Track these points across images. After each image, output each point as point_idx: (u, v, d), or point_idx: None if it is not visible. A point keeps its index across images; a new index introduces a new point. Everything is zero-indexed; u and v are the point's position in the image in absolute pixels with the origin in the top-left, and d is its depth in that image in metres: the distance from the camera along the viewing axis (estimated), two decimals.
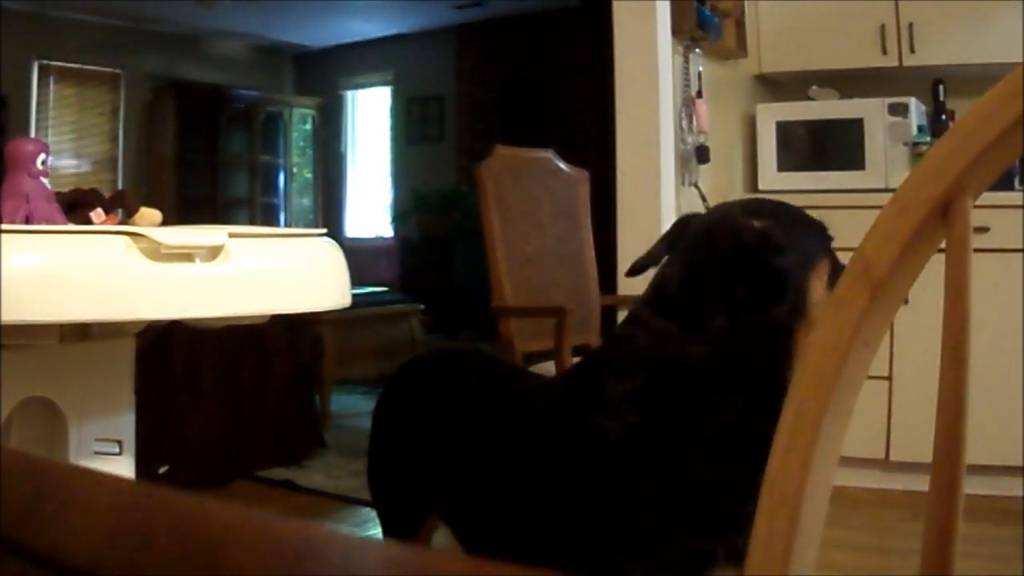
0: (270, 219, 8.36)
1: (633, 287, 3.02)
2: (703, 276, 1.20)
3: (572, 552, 1.23)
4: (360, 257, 5.80)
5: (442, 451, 1.49)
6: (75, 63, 7.32)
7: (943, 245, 0.57)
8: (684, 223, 1.32)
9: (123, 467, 1.55)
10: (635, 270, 1.33)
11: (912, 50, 3.45)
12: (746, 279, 1.17)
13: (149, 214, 1.63)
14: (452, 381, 1.58)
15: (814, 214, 1.28)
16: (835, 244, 1.32)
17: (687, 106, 3.32)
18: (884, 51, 3.49)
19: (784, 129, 3.57)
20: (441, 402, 1.54)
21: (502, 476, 1.34)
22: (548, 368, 2.41)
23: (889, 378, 3.14)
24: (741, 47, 3.65)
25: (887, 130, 3.40)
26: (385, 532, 1.65)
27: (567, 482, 1.24)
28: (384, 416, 1.66)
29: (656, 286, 1.28)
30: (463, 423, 1.47)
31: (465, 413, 1.48)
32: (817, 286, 1.15)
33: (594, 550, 1.20)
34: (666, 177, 3.13)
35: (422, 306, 5.33)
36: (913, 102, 3.41)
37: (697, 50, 3.38)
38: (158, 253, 1.22)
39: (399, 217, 8.36)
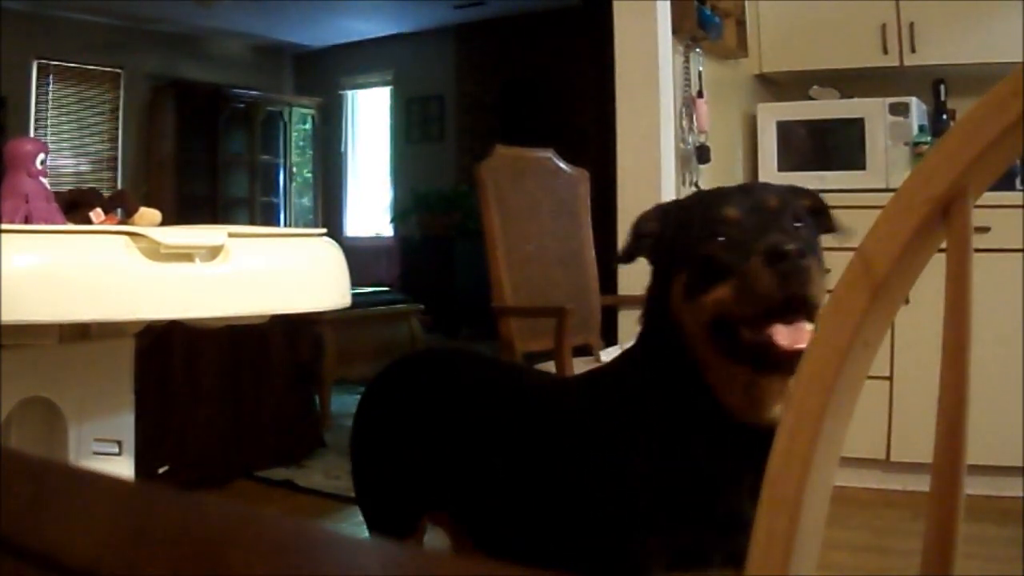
0: (270, 219, 8.36)
1: (634, 287, 3.02)
2: None
3: (569, 545, 1.24)
4: (360, 257, 5.80)
5: (446, 451, 1.48)
6: (75, 62, 7.32)
7: (944, 245, 0.57)
8: None
9: (123, 467, 1.55)
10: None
11: (913, 50, 3.45)
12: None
13: (149, 214, 1.63)
14: (449, 381, 1.56)
15: None
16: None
17: (687, 106, 3.32)
18: (885, 51, 3.48)
19: (785, 129, 3.57)
20: (441, 402, 1.52)
21: (515, 472, 1.34)
22: (548, 369, 2.41)
23: (889, 378, 3.14)
24: (742, 47, 3.65)
25: (888, 130, 3.39)
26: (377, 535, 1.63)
27: (561, 475, 1.26)
28: (373, 420, 1.62)
29: None
30: (472, 422, 1.45)
31: (473, 411, 1.47)
32: (676, 290, 1.15)
33: (589, 542, 1.21)
34: (666, 177, 3.13)
35: (422, 306, 5.33)
36: (914, 102, 3.41)
37: (698, 50, 3.38)
38: (158, 253, 1.22)
39: (399, 217, 8.36)
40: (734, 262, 1.08)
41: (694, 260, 1.13)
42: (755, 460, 1.08)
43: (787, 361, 1.05)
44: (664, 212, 1.24)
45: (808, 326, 1.06)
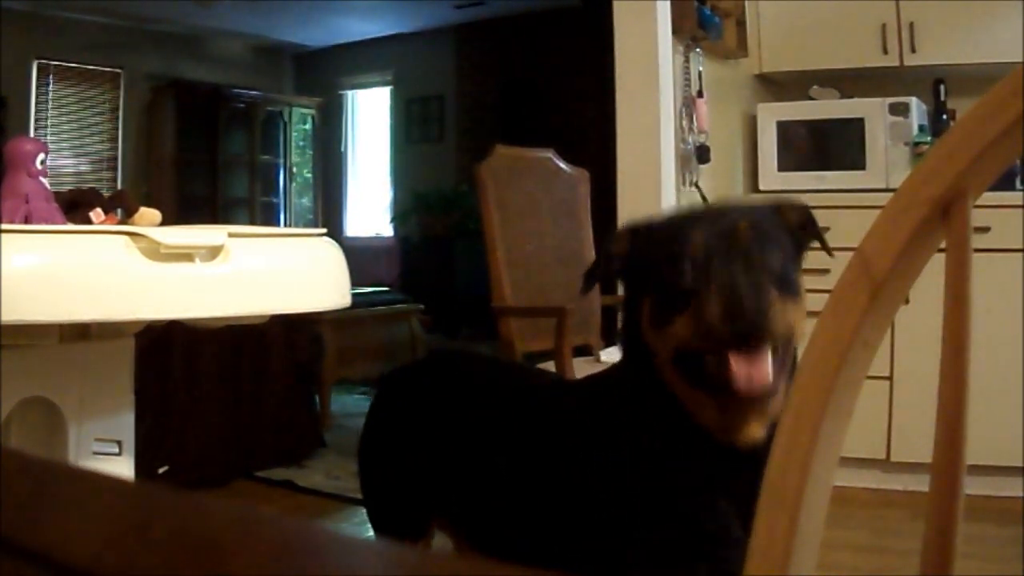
0: (270, 219, 8.36)
1: None
2: None
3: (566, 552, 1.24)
4: (360, 257, 5.79)
5: (451, 454, 1.47)
6: (75, 62, 7.32)
7: (943, 245, 0.57)
8: None
9: (123, 467, 1.55)
10: None
11: (913, 50, 3.45)
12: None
13: (149, 214, 1.63)
14: (456, 385, 1.56)
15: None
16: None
17: (687, 106, 3.32)
18: (885, 51, 3.48)
19: (785, 129, 3.57)
20: (447, 406, 1.52)
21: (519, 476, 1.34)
22: (548, 369, 2.41)
23: (889, 378, 3.14)
24: (742, 47, 3.65)
25: (888, 130, 3.39)
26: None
27: (549, 481, 1.26)
28: (381, 423, 1.62)
29: None
30: (473, 426, 1.45)
31: (476, 416, 1.46)
32: (644, 315, 1.13)
33: (576, 548, 1.21)
34: (666, 177, 3.13)
35: (422, 306, 5.33)
36: (914, 102, 3.41)
37: (698, 50, 3.37)
38: (158, 253, 1.21)
39: (399, 217, 8.36)
40: (694, 293, 1.05)
41: (658, 288, 1.10)
42: (739, 477, 1.09)
43: (748, 396, 1.04)
44: (634, 233, 1.21)
45: (768, 357, 1.04)
